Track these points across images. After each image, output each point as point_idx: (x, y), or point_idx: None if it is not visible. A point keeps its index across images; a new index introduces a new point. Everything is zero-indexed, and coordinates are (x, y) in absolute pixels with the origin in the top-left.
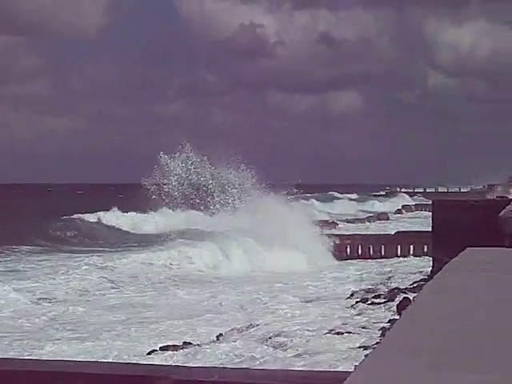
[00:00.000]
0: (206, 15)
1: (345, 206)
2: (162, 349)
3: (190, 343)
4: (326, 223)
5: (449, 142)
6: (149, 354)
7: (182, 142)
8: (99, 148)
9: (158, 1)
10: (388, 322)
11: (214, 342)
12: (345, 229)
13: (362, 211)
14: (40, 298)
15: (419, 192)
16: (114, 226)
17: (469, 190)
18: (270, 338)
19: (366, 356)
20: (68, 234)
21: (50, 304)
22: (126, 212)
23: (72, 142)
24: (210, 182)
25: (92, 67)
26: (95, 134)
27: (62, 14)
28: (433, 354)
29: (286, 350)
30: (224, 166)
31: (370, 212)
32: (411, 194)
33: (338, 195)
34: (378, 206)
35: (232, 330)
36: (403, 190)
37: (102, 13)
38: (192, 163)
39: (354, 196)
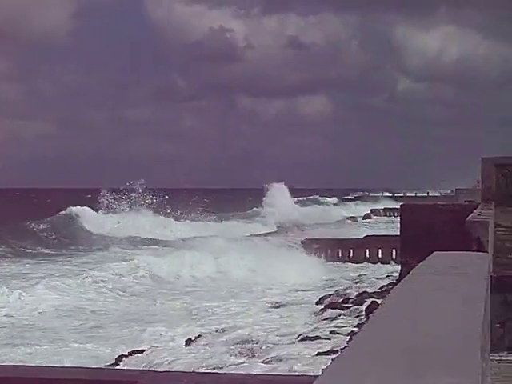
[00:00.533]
0: (176, 19)
1: (328, 210)
2: (131, 353)
3: (157, 347)
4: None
5: (417, 147)
6: (117, 358)
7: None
8: (69, 153)
9: (128, 5)
10: (356, 326)
11: (183, 346)
12: (317, 233)
13: (347, 217)
14: None
15: (388, 196)
16: (85, 228)
17: (437, 194)
18: (238, 343)
19: (332, 360)
20: (37, 237)
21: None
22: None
23: (41, 147)
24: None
25: (61, 71)
26: (65, 138)
27: (31, 18)
28: (399, 357)
29: (254, 355)
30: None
31: (353, 216)
32: (381, 199)
33: (321, 200)
34: (360, 209)
35: (200, 335)
36: (371, 194)
37: (71, 17)
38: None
39: (334, 200)
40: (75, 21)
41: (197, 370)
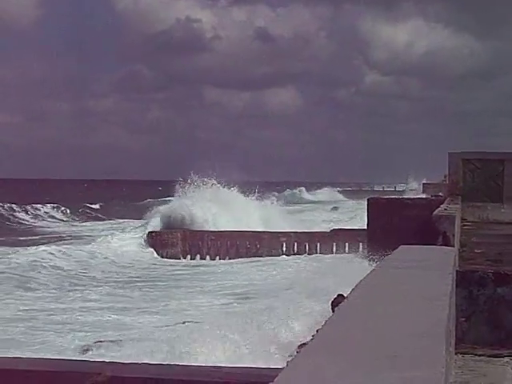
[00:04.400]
0: (141, 9)
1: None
2: (97, 344)
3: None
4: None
5: (384, 140)
6: (84, 350)
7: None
8: (31, 144)
9: None
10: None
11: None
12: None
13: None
14: None
15: (355, 190)
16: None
17: (404, 188)
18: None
19: (297, 353)
20: None
21: None
22: None
23: (1, 137)
24: None
25: (24, 60)
26: (27, 129)
27: None
28: (363, 351)
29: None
30: None
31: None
32: (348, 192)
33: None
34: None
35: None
36: (339, 188)
37: (35, 5)
38: None
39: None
40: (39, 9)
41: (162, 362)
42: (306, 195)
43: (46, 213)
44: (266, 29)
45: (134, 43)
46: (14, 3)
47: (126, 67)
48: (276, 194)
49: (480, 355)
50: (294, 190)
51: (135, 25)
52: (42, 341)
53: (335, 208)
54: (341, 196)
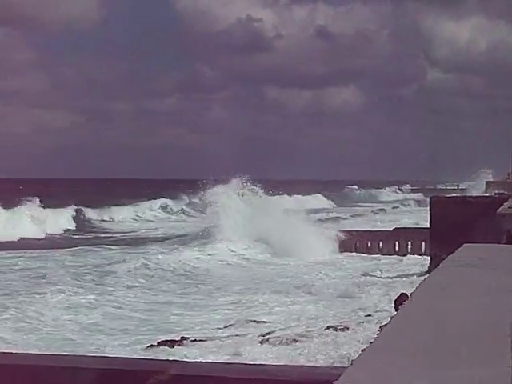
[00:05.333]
0: (202, 9)
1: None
2: (160, 344)
3: (187, 338)
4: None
5: (447, 139)
6: (147, 348)
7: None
8: (94, 144)
9: None
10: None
11: (213, 337)
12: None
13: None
14: None
15: (417, 188)
16: None
17: (467, 186)
18: (270, 332)
19: (362, 351)
20: None
21: None
22: None
23: (67, 138)
24: None
25: (86, 60)
26: (91, 129)
27: (57, 6)
28: (426, 350)
29: (292, 343)
30: None
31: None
32: (414, 191)
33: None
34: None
35: (230, 325)
36: (404, 186)
37: (97, 5)
38: None
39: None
40: (100, 10)
41: (226, 361)
42: (382, 195)
43: (155, 210)
44: (327, 27)
45: (195, 43)
46: (77, 4)
47: (187, 67)
48: (355, 189)
49: None
50: (369, 190)
51: (196, 24)
52: (107, 339)
53: (396, 207)
54: (407, 195)
